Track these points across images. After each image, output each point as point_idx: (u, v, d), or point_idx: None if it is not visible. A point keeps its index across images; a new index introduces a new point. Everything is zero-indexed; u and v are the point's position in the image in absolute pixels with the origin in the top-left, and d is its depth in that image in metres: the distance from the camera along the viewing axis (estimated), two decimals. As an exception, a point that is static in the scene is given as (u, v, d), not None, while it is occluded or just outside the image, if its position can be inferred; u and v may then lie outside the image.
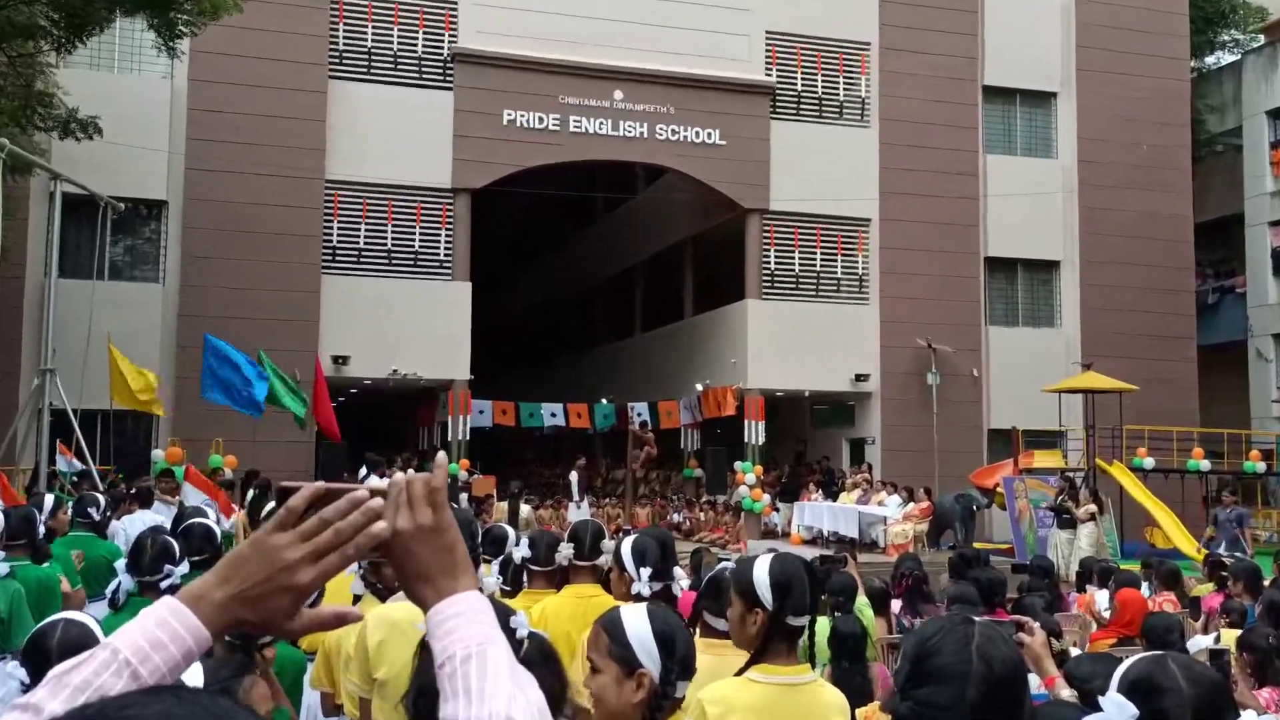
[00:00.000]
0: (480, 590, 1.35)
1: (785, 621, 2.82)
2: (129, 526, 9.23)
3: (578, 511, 21.20)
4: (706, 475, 24.78)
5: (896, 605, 8.28)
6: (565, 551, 4.33)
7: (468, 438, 22.41)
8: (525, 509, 14.37)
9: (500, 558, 5.49)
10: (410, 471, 4.40)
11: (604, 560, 4.29)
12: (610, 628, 2.40)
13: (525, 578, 4.73)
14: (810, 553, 19.01)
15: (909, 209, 24.93)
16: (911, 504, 21.41)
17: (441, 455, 1.48)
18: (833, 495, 23.65)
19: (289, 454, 20.16)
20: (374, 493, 1.36)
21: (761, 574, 2.86)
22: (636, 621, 2.40)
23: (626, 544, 3.92)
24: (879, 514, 21.64)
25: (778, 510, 24.71)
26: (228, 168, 21.08)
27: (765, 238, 24.42)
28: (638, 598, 3.63)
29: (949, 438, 24.39)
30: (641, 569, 3.79)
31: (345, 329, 21.71)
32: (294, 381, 17.82)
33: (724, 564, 4.09)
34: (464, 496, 19.00)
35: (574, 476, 22.18)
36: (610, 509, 23.09)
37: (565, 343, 41.45)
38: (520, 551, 4.66)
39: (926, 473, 23.68)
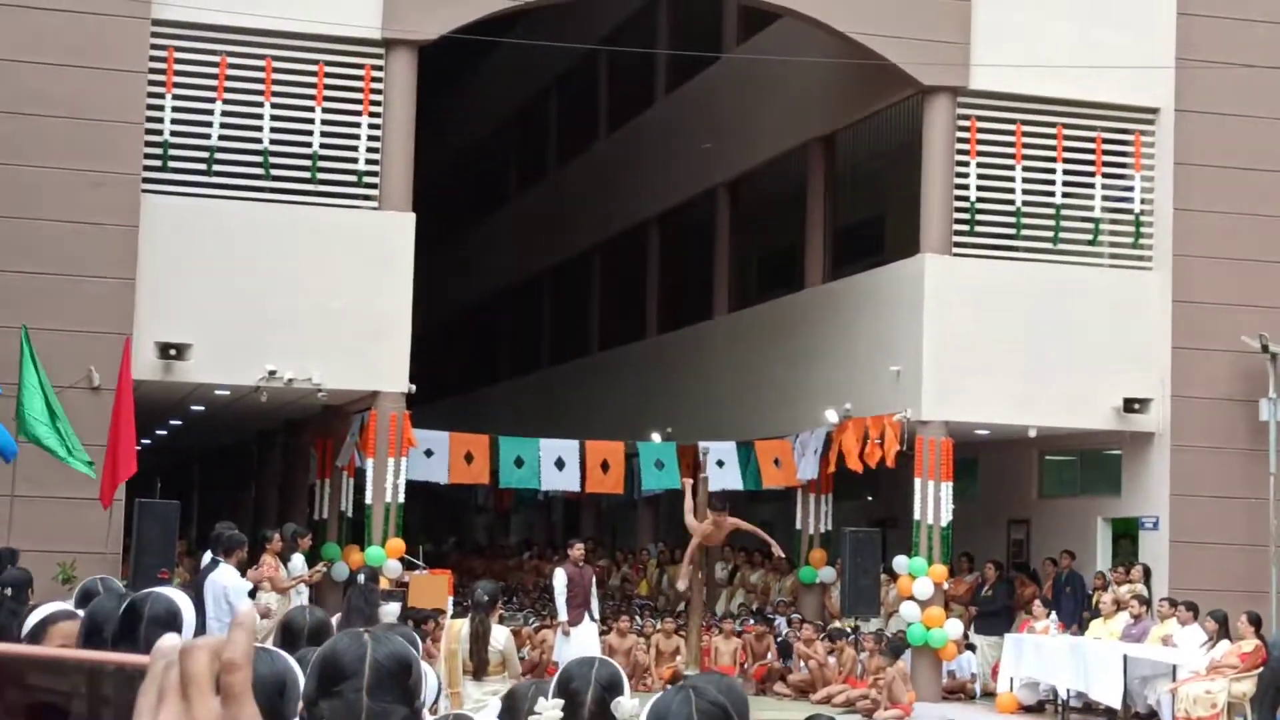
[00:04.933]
0: None
1: None
2: None
3: (564, 644, 20.93)
4: (844, 580, 24.54)
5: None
6: (548, 716, 4.30)
7: (402, 499, 22.36)
8: (501, 634, 14.25)
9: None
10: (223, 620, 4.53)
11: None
12: None
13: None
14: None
15: (1232, 92, 24.61)
16: (1225, 644, 21.01)
17: (247, 608, 1.44)
18: (1078, 624, 23.34)
19: (75, 517, 20.18)
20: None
21: None
22: None
23: (647, 707, 4.02)
24: (1163, 660, 21.33)
25: (973, 648, 24.47)
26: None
27: (961, 141, 24.28)
28: None
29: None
30: None
31: (183, 295, 21.77)
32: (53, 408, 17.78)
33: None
34: (392, 609, 18.89)
35: (560, 578, 21.81)
36: (661, 638, 22.91)
37: (570, 336, 41.49)
38: (487, 720, 4.61)
39: (1256, 585, 23.39)
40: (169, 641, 1.45)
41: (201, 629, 15.39)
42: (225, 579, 16.19)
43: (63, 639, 5.43)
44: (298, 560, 20.61)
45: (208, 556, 17.42)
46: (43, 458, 18.85)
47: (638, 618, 24.84)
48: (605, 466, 25.20)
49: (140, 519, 20.14)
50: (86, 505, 20.07)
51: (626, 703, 4.30)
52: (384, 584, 20.66)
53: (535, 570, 33.48)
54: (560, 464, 24.90)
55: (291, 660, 3.87)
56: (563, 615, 21.36)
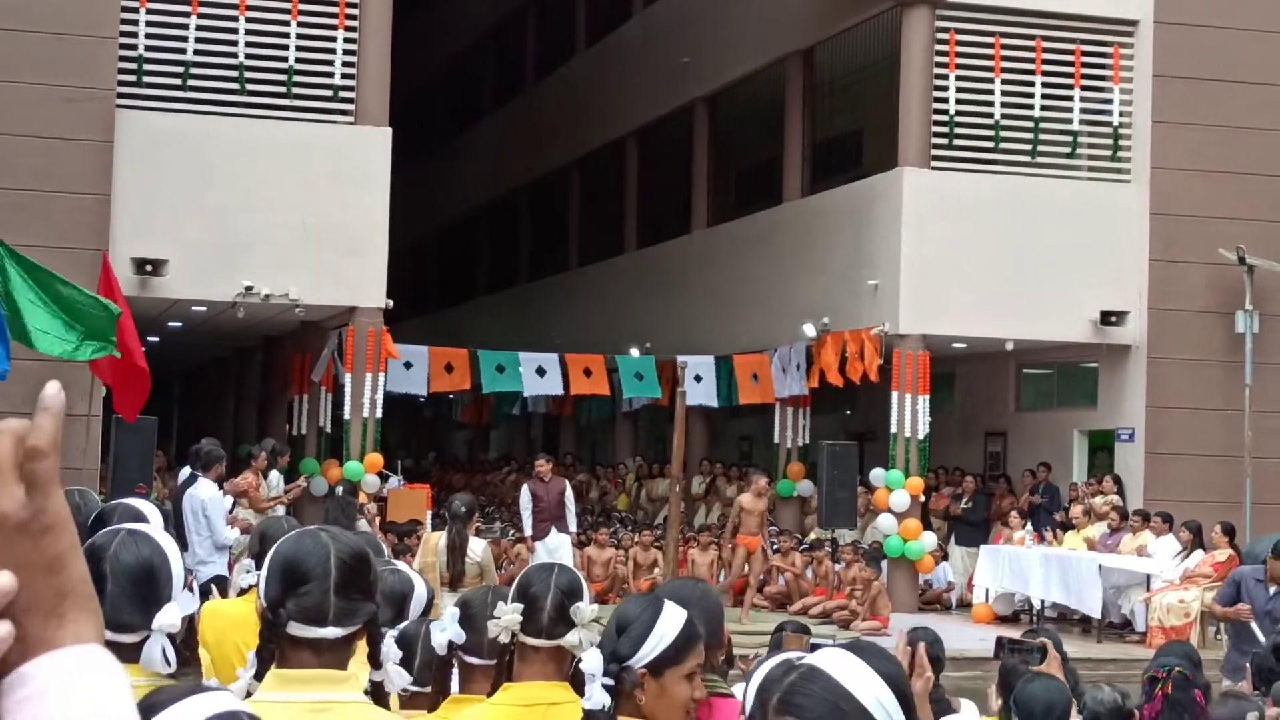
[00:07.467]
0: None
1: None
2: None
3: (536, 558, 20.94)
4: (822, 493, 24.57)
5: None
6: (506, 620, 4.26)
7: (380, 414, 22.37)
8: (478, 546, 14.25)
9: (396, 632, 5.31)
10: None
11: (581, 638, 4.26)
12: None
13: (457, 674, 4.76)
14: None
15: (1211, 4, 24.61)
16: (1199, 554, 21.14)
17: (54, 386, 1.48)
18: (1052, 532, 23.44)
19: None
20: None
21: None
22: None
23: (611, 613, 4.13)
24: (1137, 570, 21.47)
25: (947, 558, 24.58)
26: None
27: (940, 54, 24.20)
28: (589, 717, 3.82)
29: (1275, 433, 24.10)
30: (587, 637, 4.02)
31: (158, 211, 21.66)
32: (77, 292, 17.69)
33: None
34: (362, 526, 18.92)
35: (524, 494, 21.82)
36: (639, 551, 22.98)
37: (548, 252, 41.42)
38: (445, 628, 4.69)
39: (1230, 496, 23.48)
40: None
41: (181, 544, 15.46)
42: (203, 493, 16.12)
43: None
44: (274, 477, 20.59)
45: (185, 471, 17.39)
46: (19, 371, 18.74)
47: (617, 529, 24.93)
48: (588, 372, 25.25)
49: (118, 434, 20.02)
50: (65, 420, 19.98)
51: (585, 608, 4.30)
52: (362, 498, 20.67)
53: (515, 484, 33.52)
54: (541, 371, 24.94)
55: (162, 540, 3.80)
56: (528, 530, 21.39)
